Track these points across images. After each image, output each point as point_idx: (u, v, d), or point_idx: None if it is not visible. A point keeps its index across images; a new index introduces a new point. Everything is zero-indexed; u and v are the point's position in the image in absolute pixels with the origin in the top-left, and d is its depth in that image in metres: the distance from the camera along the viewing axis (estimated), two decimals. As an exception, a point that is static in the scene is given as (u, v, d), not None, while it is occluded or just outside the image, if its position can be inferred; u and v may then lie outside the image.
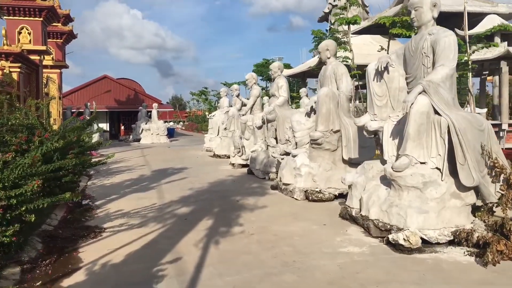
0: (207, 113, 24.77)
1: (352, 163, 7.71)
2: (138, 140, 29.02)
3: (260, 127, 11.18)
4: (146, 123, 29.15)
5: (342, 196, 7.73)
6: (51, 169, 5.64)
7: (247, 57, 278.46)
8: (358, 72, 17.84)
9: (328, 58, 8.17)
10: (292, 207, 7.27)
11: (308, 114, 8.29)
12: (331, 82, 7.99)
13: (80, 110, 32.99)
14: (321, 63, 21.93)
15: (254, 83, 13.58)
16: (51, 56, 26.90)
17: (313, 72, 24.98)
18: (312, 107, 8.07)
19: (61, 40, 27.65)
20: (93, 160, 15.29)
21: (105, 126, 37.32)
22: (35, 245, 5.52)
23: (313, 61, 24.69)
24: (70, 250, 5.39)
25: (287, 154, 8.76)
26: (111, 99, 38.66)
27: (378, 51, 21.54)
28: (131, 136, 31.51)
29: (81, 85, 38.73)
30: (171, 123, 44.60)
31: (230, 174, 11.80)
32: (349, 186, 6.11)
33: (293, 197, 7.94)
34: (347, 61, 17.25)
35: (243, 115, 13.63)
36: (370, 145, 7.76)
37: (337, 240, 5.26)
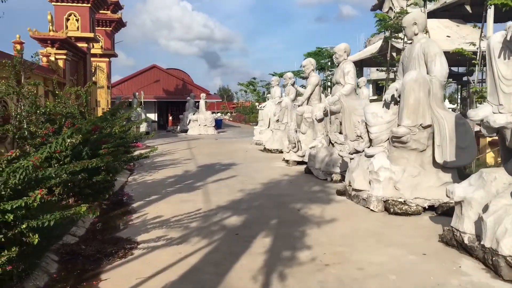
0: (256, 104, 23.41)
1: (447, 167, 6.06)
2: (186, 131, 28.21)
3: (321, 120, 9.66)
4: (193, 114, 28.27)
5: (432, 209, 6.11)
6: (70, 171, 4.45)
7: (294, 48, 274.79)
8: None
9: (416, 34, 6.51)
10: (370, 222, 5.74)
11: (386, 105, 6.69)
12: (419, 64, 6.34)
13: (129, 99, 32.76)
14: (383, 50, 19.99)
15: (312, 70, 12.01)
16: (100, 44, 26.50)
17: (372, 61, 23.04)
18: (392, 96, 6.47)
19: (110, 28, 27.19)
20: (137, 152, 14.30)
21: (153, 116, 36.98)
22: (49, 266, 4.36)
23: (373, 48, 22.70)
24: (90, 276, 4.17)
25: (358, 153, 7.21)
26: (160, 89, 38.25)
27: (447, 36, 19.33)
28: (178, 127, 30.82)
29: (130, 75, 38.55)
30: (218, 114, 43.76)
31: (284, 172, 10.37)
32: (457, 202, 4.50)
33: (367, 207, 6.40)
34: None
35: (299, 105, 12.14)
36: (470, 145, 6.07)
37: (452, 284, 3.70)
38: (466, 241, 4.29)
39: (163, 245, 5.04)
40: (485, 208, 4.09)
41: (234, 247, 4.88)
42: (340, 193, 7.42)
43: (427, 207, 6.05)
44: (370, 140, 7.02)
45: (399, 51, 18.85)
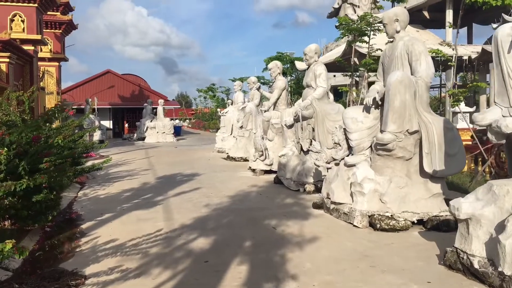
0: (218, 109, 22.60)
1: (436, 176, 5.51)
2: (143, 138, 26.95)
3: (291, 126, 9.00)
4: (151, 121, 27.07)
5: (421, 222, 5.55)
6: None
7: (253, 54, 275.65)
8: (376, 66, 15.64)
9: (398, 32, 5.97)
10: (356, 240, 5.09)
11: (367, 109, 6.11)
12: (403, 64, 5.79)
13: (81, 106, 31.07)
14: (346, 54, 19.73)
15: (279, 73, 11.39)
16: (49, 47, 24.89)
17: (335, 66, 22.77)
18: (374, 99, 5.89)
19: (60, 31, 25.58)
20: (90, 162, 13.12)
21: (108, 123, 35.33)
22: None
23: (335, 53, 22.43)
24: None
25: (335, 162, 6.58)
26: (115, 95, 36.63)
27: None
28: (135, 135, 29.47)
29: (83, 81, 36.72)
30: (177, 121, 42.45)
31: (252, 183, 9.62)
32: (461, 220, 3.91)
33: (350, 223, 5.76)
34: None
35: (265, 111, 11.47)
36: (458, 152, 5.58)
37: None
38: (476, 265, 3.70)
39: (117, 279, 4.16)
40: (500, 228, 3.51)
41: (204, 278, 4.08)
42: (317, 206, 6.76)
43: (415, 221, 5.48)
44: (349, 148, 6.42)
45: (362, 56, 18.65)
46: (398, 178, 5.50)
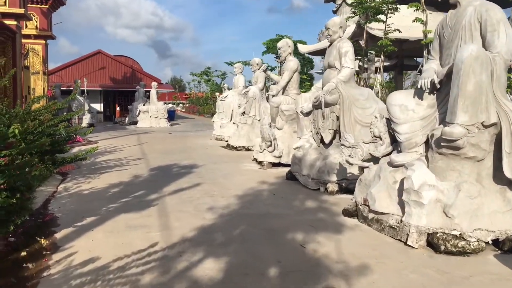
0: (217, 93, 21.15)
1: (517, 184, 4.24)
2: (135, 123, 25.49)
3: (308, 114, 7.67)
4: (144, 104, 25.58)
5: (496, 243, 4.28)
6: None
7: (247, 39, 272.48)
8: (393, 49, 14.31)
9: (465, -6, 4.63)
10: (419, 270, 3.80)
11: (419, 95, 4.79)
12: (472, 36, 4.47)
13: (70, 88, 29.49)
14: (355, 36, 18.30)
15: (289, 53, 10.01)
16: (34, 23, 23.19)
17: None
18: (432, 81, 4.57)
19: (47, 6, 23.81)
20: (77, 148, 11.68)
21: (98, 106, 33.77)
22: None
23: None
24: None
25: (375, 160, 5.28)
26: (106, 77, 34.93)
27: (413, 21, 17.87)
28: (127, 119, 27.97)
29: (72, 61, 34.91)
30: (170, 105, 40.63)
31: (261, 179, 8.31)
32: None
33: (400, 240, 4.49)
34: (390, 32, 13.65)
35: (273, 96, 10.10)
36: (544, 151, 4.28)
37: None
38: None
39: (94, 332, 2.86)
40: None
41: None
42: (349, 213, 5.48)
43: (490, 241, 4.22)
44: (393, 143, 5.12)
45: (372, 39, 17.26)
46: (469, 185, 4.20)
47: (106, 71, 35.02)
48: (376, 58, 18.34)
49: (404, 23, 16.26)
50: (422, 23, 12.24)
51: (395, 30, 13.17)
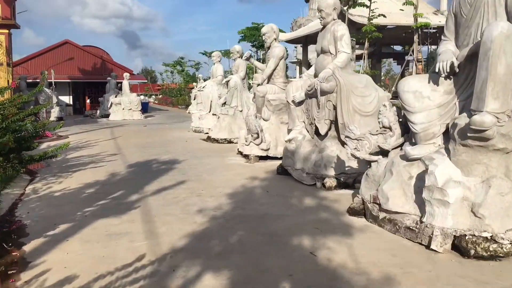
0: (195, 83, 20.34)
1: (550, 178, 3.81)
2: (107, 116, 24.42)
3: (300, 103, 7.12)
4: (116, 96, 24.51)
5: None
6: None
7: (218, 29, 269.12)
8: (378, 35, 13.89)
9: (487, -34, 4.13)
10: (454, 280, 3.31)
11: (434, 80, 4.30)
12: (496, 14, 3.99)
13: (37, 80, 28.05)
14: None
15: (275, 39, 9.42)
16: (-4, 12, 21.75)
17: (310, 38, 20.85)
18: (451, 64, 4.08)
19: (9, -7, 22.39)
20: (46, 144, 10.79)
21: (67, 99, 32.35)
22: None
23: (307, 28, 20.36)
24: None
25: (384, 153, 4.78)
26: (75, 68, 33.46)
27: (401, 10, 17.54)
28: (98, 111, 26.80)
29: (38, 52, 33.23)
30: (142, 97, 39.20)
31: (250, 174, 7.74)
32: None
33: (419, 243, 4.02)
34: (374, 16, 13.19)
35: (258, 84, 9.51)
36: None
37: None
38: None
39: None
40: None
41: None
42: (355, 212, 4.97)
43: (523, 243, 3.78)
44: (404, 133, 4.63)
45: (353, 25, 16.79)
46: (499, 180, 3.74)
47: (75, 62, 33.54)
48: (357, 46, 17.93)
49: (383, 10, 15.87)
50: (413, 6, 11.82)
51: (379, 15, 12.71)
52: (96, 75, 33.27)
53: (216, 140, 12.45)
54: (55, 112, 24.53)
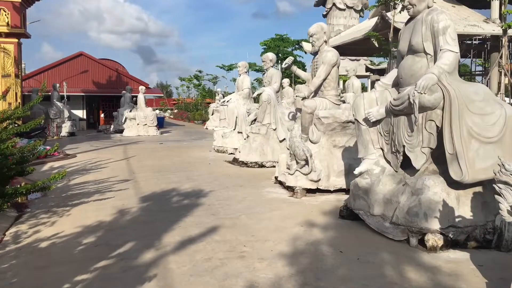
0: (216, 97, 18.54)
1: None
2: (121, 131, 22.80)
3: (376, 123, 5.18)
4: (130, 111, 22.90)
5: None
6: None
7: (232, 45, 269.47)
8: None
9: None
10: None
11: None
12: None
13: (49, 93, 26.68)
14: (377, 30, 15.88)
15: (325, 41, 7.55)
16: (5, 20, 20.38)
17: (357, 48, 19.01)
18: None
19: (19, 0, 21.07)
20: (49, 165, 9.39)
21: (81, 113, 30.95)
22: None
23: (359, 29, 18.52)
24: None
25: None
26: (89, 81, 32.12)
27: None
28: (112, 126, 25.22)
29: (51, 64, 32.00)
30: (157, 111, 37.54)
31: (303, 217, 5.75)
32: None
33: None
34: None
35: (302, 98, 7.62)
36: None
37: None
38: None
39: None
40: None
41: None
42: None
43: None
44: None
45: (396, 32, 14.93)
46: None
47: (89, 74, 32.23)
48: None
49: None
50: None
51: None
52: (111, 89, 31.86)
53: (245, 164, 10.54)
54: (66, 127, 23.01)
